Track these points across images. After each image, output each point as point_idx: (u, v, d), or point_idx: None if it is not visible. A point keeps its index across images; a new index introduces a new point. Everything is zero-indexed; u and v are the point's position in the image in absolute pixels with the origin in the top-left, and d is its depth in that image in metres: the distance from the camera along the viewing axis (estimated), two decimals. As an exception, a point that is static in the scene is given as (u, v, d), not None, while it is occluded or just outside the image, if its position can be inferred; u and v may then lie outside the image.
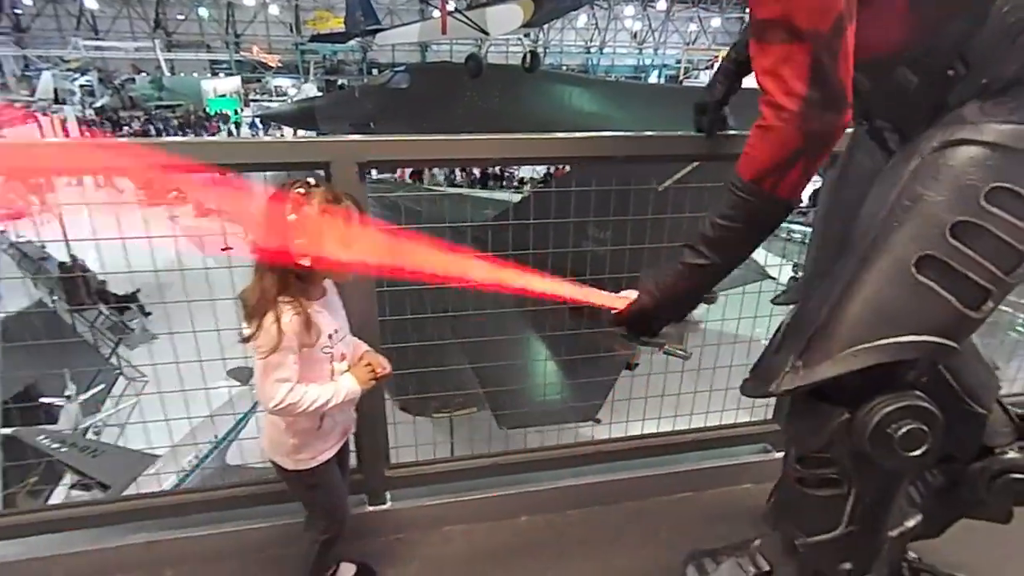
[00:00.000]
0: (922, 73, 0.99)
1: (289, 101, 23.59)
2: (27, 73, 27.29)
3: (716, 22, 33.70)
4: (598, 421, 5.11)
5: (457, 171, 17.49)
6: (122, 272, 1.71)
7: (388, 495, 1.78)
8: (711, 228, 1.03)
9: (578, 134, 1.47)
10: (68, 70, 25.91)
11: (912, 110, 1.02)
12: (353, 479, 1.65)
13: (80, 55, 26.73)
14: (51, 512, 1.67)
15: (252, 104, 27.49)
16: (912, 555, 1.46)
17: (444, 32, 11.53)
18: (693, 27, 33.96)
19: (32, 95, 23.37)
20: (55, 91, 23.99)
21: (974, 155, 0.94)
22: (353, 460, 1.65)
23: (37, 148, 1.36)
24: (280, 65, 30.37)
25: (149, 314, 11.71)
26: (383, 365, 1.34)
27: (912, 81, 1.00)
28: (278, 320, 1.16)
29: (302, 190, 1.14)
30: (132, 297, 11.86)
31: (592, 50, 33.64)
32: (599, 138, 1.53)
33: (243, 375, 7.90)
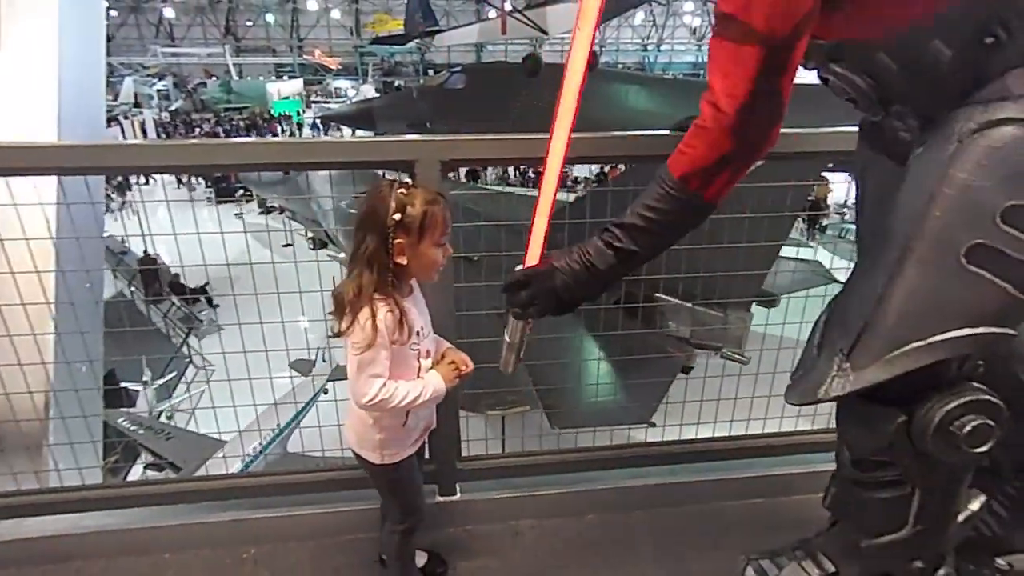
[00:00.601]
0: (957, 44, 0.92)
1: (348, 102, 24.26)
2: (111, 79, 29.20)
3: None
4: (652, 424, 5.05)
5: (511, 169, 17.55)
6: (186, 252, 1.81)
7: (458, 487, 1.82)
8: (633, 216, 1.03)
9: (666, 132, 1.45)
10: (147, 76, 27.61)
11: (941, 89, 0.96)
12: (425, 469, 1.70)
13: (158, 62, 28.44)
14: (144, 487, 1.79)
15: (313, 105, 28.45)
16: (1001, 562, 1.38)
17: (504, 32, 11.60)
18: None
19: (115, 100, 24.99)
20: (135, 96, 25.62)
21: (1021, 136, 0.88)
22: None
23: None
24: (340, 67, 31.32)
25: (217, 306, 12.34)
26: (466, 362, 1.36)
27: (945, 55, 0.93)
28: (373, 316, 1.19)
29: (404, 191, 1.18)
30: (202, 290, 12.46)
31: (649, 47, 33.06)
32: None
33: (304, 367, 8.27)
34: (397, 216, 1.16)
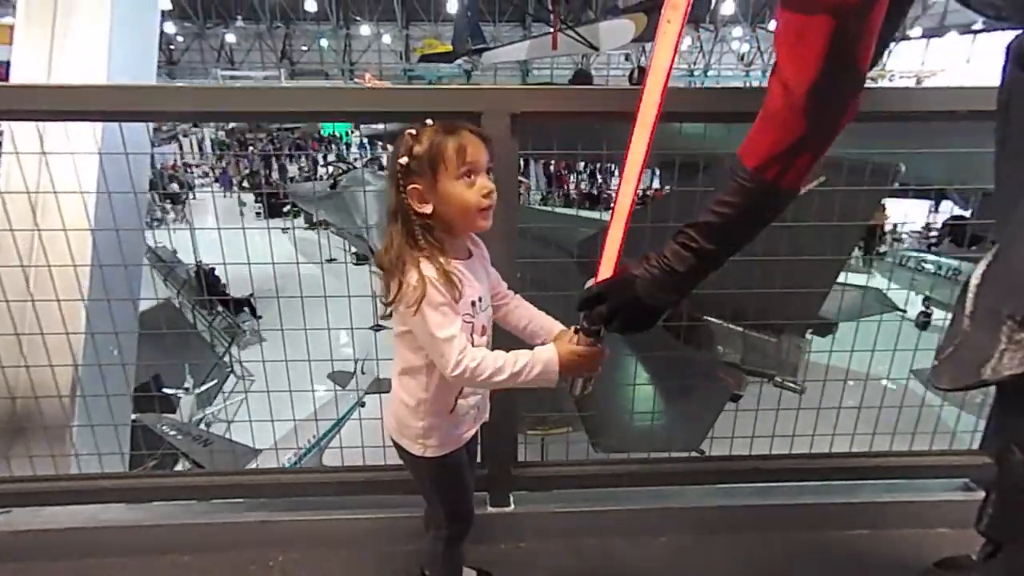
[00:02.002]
0: None
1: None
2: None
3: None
4: (701, 452, 4.71)
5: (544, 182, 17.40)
6: (231, 262, 1.79)
7: (512, 497, 1.60)
8: (708, 214, 0.93)
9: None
10: (207, 97, 29.00)
11: None
12: (477, 474, 1.49)
13: (218, 84, 29.84)
14: (165, 479, 1.64)
15: (362, 126, 29.17)
16: None
17: (554, 48, 11.60)
18: (805, 47, 32.33)
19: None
20: (195, 115, 26.88)
21: None
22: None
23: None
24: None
25: (260, 317, 12.51)
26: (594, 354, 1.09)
27: None
28: (418, 268, 1.02)
29: (414, 131, 1.03)
30: (246, 301, 12.68)
31: (696, 72, 32.80)
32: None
33: (343, 379, 8.20)
34: (404, 160, 1.02)
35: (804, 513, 1.60)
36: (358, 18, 28.88)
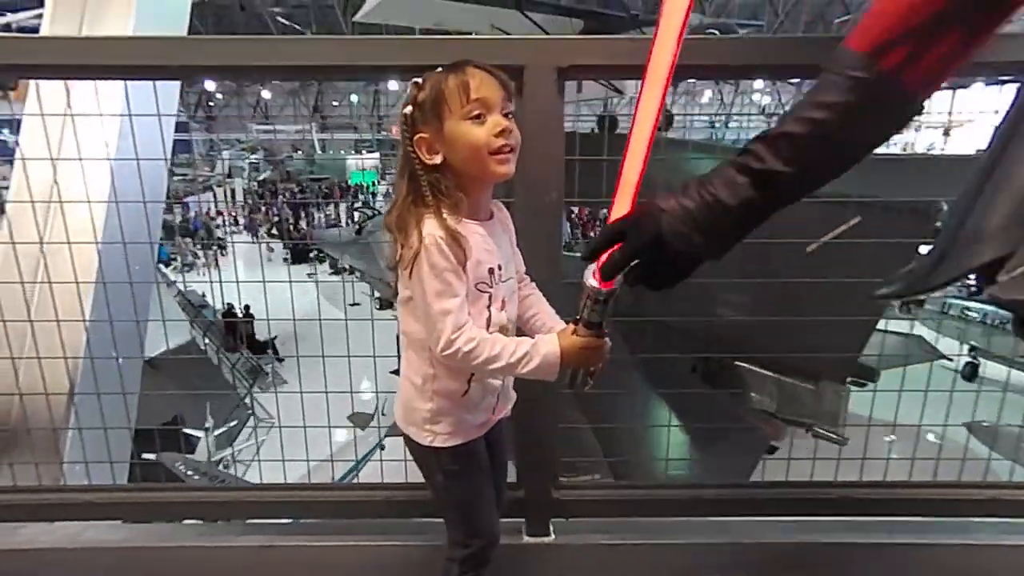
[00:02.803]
0: None
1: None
2: (211, 153, 32.04)
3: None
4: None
5: (567, 228, 17.39)
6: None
7: (552, 526, 1.37)
8: (791, 122, 0.67)
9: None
10: (242, 150, 30.20)
11: None
12: (510, 496, 1.28)
13: (253, 137, 31.06)
14: (164, 494, 1.44)
15: (387, 177, 29.97)
16: None
17: (579, 91, 11.76)
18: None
19: (211, 171, 27.39)
20: (229, 167, 27.95)
21: None
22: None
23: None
24: (416, 142, 33.10)
25: (282, 360, 12.50)
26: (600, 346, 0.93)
27: None
28: (419, 227, 0.90)
29: (419, 79, 0.94)
30: (269, 343, 12.73)
31: (717, 124, 33.13)
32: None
33: (362, 420, 8.00)
34: (408, 109, 0.93)
35: (905, 555, 1.33)
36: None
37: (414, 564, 1.35)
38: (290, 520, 1.47)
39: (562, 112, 1.13)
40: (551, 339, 0.92)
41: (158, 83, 1.32)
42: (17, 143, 1.85)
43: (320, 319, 1.56)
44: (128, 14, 2.03)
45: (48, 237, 1.59)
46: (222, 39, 1.19)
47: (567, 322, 0.95)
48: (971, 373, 9.50)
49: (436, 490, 1.09)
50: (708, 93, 32.10)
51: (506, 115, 0.92)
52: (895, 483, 1.35)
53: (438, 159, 0.92)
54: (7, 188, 1.93)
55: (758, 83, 31.40)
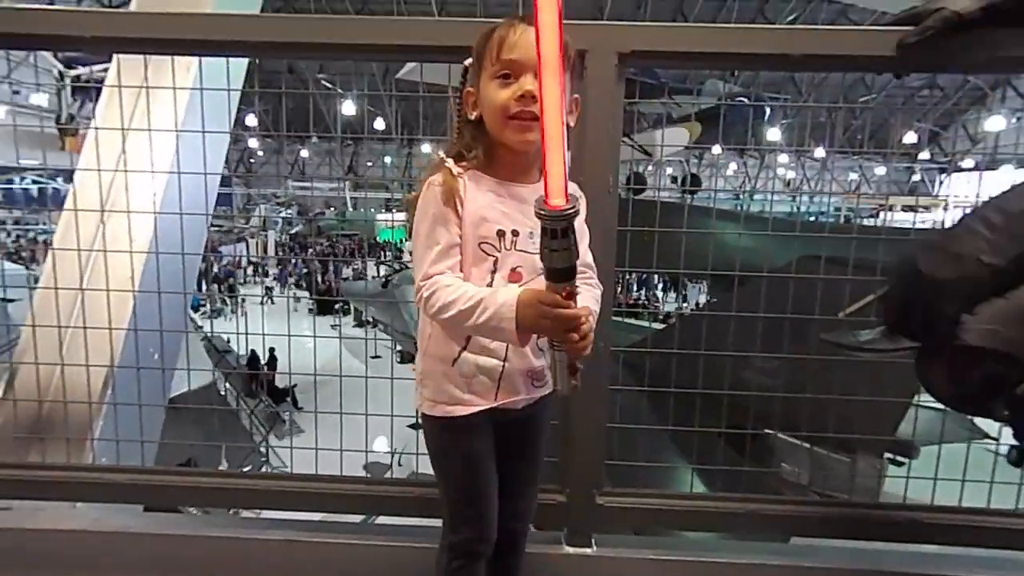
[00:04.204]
0: None
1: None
2: (248, 206, 33.32)
3: (880, 171, 32.30)
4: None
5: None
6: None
7: (594, 538, 1.28)
8: None
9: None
10: (277, 204, 31.41)
11: None
12: (548, 501, 1.20)
13: (288, 193, 32.34)
14: (183, 478, 1.39)
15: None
16: None
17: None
18: (854, 176, 32.77)
19: (247, 223, 28.43)
20: (264, 220, 29.02)
21: None
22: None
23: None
24: (445, 204, 34.04)
25: (301, 408, 12.42)
26: (577, 315, 0.82)
27: None
28: (431, 172, 0.94)
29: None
30: (288, 391, 12.74)
31: (742, 196, 33.38)
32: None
33: (379, 471, 7.83)
34: (468, 60, 0.95)
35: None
36: (420, 137, 31.47)
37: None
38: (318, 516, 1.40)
39: (622, 97, 1.14)
40: (511, 289, 0.86)
41: (207, 138, 1.42)
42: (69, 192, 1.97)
43: (341, 374, 1.59)
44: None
45: (88, 282, 1.63)
46: (294, 17, 1.27)
47: None
48: (1019, 459, 8.93)
49: (433, 466, 1.04)
50: (733, 166, 32.60)
51: None
52: (964, 509, 1.25)
53: (475, 115, 0.93)
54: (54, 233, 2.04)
55: (783, 157, 31.89)
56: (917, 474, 1.36)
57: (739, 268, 1.46)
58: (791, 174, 33.44)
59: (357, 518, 1.63)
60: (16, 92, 19.00)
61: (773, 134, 15.65)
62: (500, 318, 0.83)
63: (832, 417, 1.62)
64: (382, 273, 19.39)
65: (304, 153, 34.90)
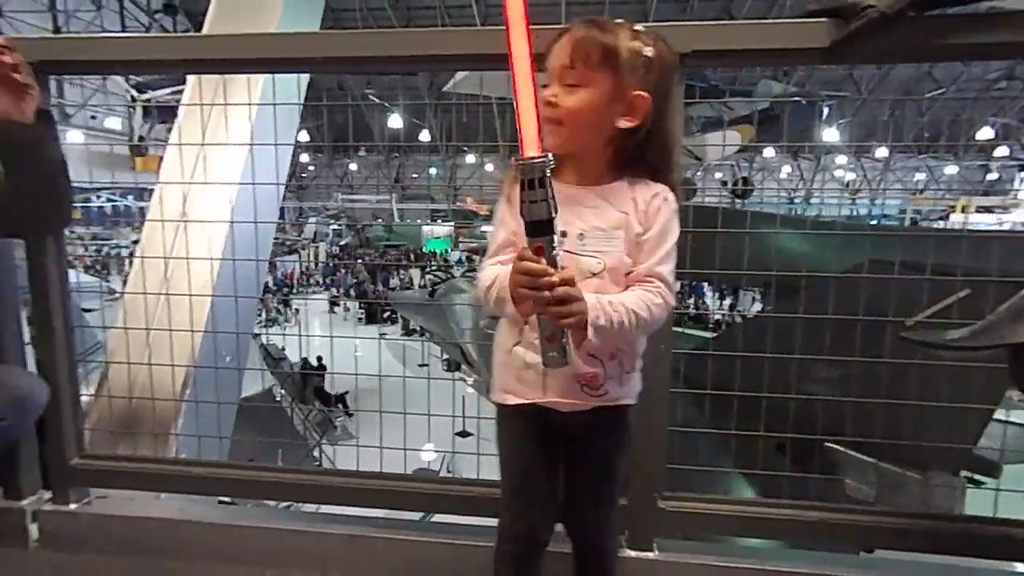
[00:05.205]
0: None
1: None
2: (300, 219, 34.57)
3: (951, 169, 30.50)
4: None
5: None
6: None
7: (655, 543, 1.27)
8: None
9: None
10: (327, 217, 32.44)
11: None
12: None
13: (337, 206, 33.38)
14: (257, 473, 1.46)
15: (460, 245, 31.03)
16: None
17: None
18: (920, 176, 31.08)
19: (299, 235, 29.51)
20: (315, 233, 30.06)
21: None
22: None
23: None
24: (488, 213, 34.24)
25: (352, 415, 12.71)
26: (541, 271, 0.81)
27: None
28: None
29: None
30: (340, 398, 13.05)
31: (796, 200, 32.04)
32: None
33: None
34: None
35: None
36: (465, 148, 31.89)
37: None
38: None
39: (682, 99, 1.14)
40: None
41: (272, 150, 1.49)
42: (140, 209, 2.16)
43: (403, 377, 1.59)
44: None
45: (168, 287, 1.74)
46: (349, 33, 1.34)
47: None
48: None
49: None
50: (787, 168, 31.40)
51: (570, 85, 0.90)
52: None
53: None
54: (125, 247, 2.22)
55: (841, 158, 30.57)
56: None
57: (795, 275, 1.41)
58: (850, 175, 31.82)
59: (415, 516, 1.66)
60: (93, 117, 20.34)
61: (831, 134, 15.00)
62: (502, 288, 0.86)
63: (902, 430, 1.56)
64: (428, 282, 19.73)
65: (352, 167, 35.96)
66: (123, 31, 19.91)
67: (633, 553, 1.25)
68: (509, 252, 0.94)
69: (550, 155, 0.80)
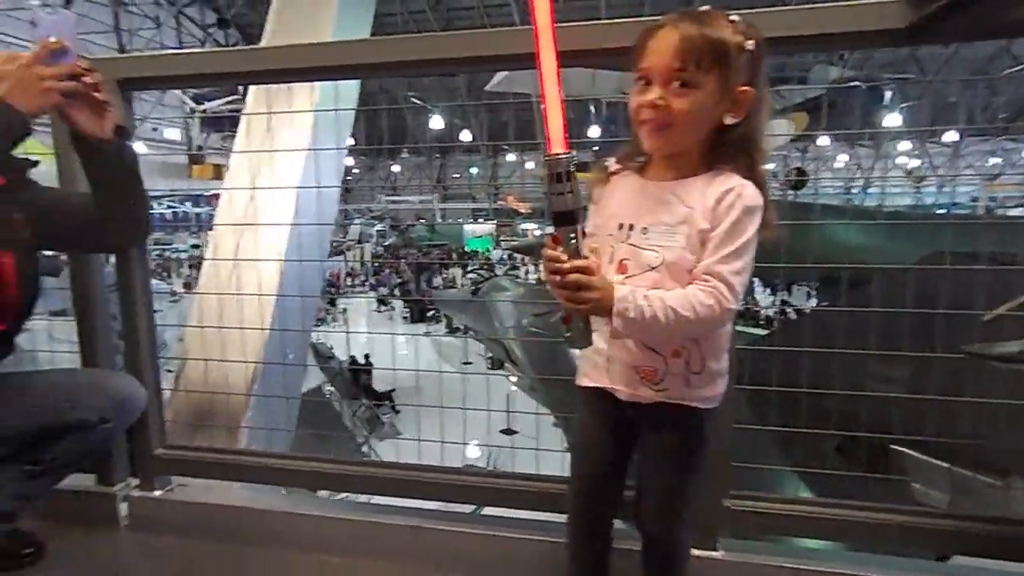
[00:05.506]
0: None
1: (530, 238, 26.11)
2: (345, 221, 35.47)
3: (1031, 152, 28.20)
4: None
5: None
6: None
7: (720, 542, 1.26)
8: None
9: None
10: (371, 218, 33.14)
11: None
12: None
13: (381, 207, 34.07)
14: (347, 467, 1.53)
15: (501, 244, 31.17)
16: None
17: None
18: (996, 160, 29.01)
19: (344, 237, 30.29)
20: (360, 235, 30.79)
21: None
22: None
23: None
24: (530, 212, 34.32)
25: (398, 411, 12.99)
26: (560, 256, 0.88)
27: None
28: None
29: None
30: (387, 395, 13.34)
31: (853, 190, 30.37)
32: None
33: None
34: None
35: None
36: (506, 147, 32.03)
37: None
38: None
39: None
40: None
41: (328, 154, 1.54)
42: (198, 215, 2.32)
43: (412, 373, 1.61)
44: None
45: (232, 288, 1.83)
46: (398, 38, 1.38)
47: None
48: None
49: None
50: (844, 157, 29.89)
51: (683, 84, 0.87)
52: None
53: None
54: (184, 251, 2.39)
55: (904, 144, 28.80)
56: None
57: (855, 269, 1.34)
58: (914, 162, 29.83)
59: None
60: (155, 129, 21.41)
61: (893, 119, 14.10)
62: None
63: (978, 434, 1.48)
64: (470, 281, 19.91)
65: (395, 168, 36.58)
66: (180, 46, 20.87)
67: (697, 552, 1.24)
68: (589, 242, 0.98)
69: (574, 153, 0.86)
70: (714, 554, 1.24)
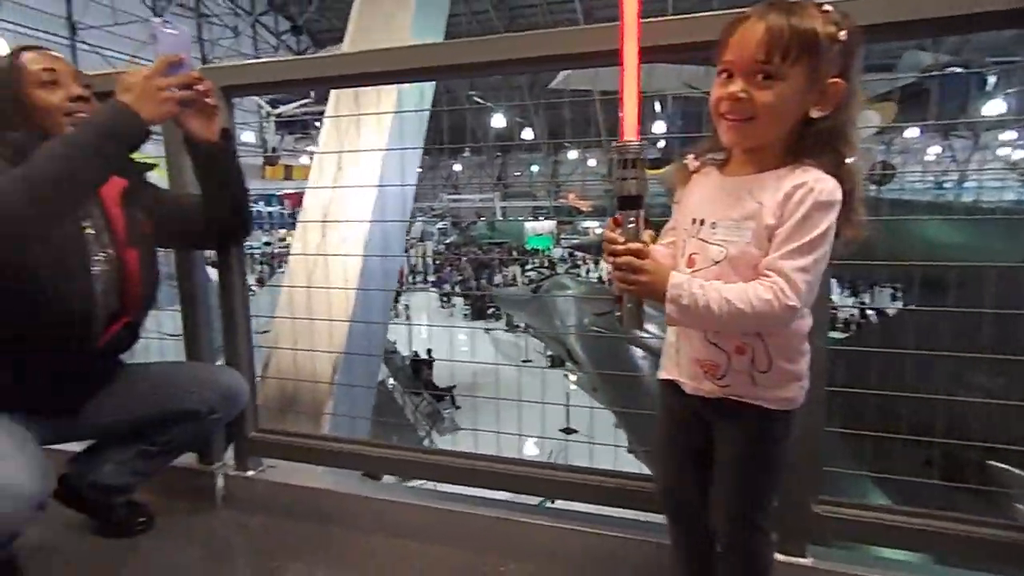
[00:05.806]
0: None
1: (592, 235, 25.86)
2: (409, 219, 36.34)
3: None
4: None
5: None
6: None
7: (809, 549, 1.21)
8: None
9: None
10: (433, 216, 33.79)
11: None
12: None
13: (443, 205, 34.66)
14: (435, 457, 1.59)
15: (562, 242, 31.04)
16: None
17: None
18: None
19: (407, 235, 31.13)
20: (422, 233, 31.54)
21: None
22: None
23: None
24: (591, 209, 34.00)
25: (459, 407, 13.22)
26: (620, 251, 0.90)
27: None
28: None
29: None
30: (448, 391, 13.60)
31: (946, 185, 27.83)
32: None
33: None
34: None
35: None
36: (567, 144, 31.92)
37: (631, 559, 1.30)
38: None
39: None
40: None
41: (406, 153, 1.59)
42: (271, 214, 2.47)
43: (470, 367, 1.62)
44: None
45: (315, 281, 1.93)
46: (470, 41, 1.43)
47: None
48: None
49: None
50: (936, 149, 27.54)
51: (767, 77, 0.84)
52: None
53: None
54: (258, 248, 2.55)
55: (1008, 134, 26.31)
56: None
57: (950, 270, 1.25)
58: (1019, 153, 27.05)
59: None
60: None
61: (996, 106, 12.76)
62: None
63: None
64: (528, 279, 19.97)
65: (456, 167, 37.11)
66: (256, 53, 22.03)
67: (783, 558, 1.20)
68: (669, 237, 1.02)
69: (645, 142, 0.90)
70: (803, 561, 1.20)
